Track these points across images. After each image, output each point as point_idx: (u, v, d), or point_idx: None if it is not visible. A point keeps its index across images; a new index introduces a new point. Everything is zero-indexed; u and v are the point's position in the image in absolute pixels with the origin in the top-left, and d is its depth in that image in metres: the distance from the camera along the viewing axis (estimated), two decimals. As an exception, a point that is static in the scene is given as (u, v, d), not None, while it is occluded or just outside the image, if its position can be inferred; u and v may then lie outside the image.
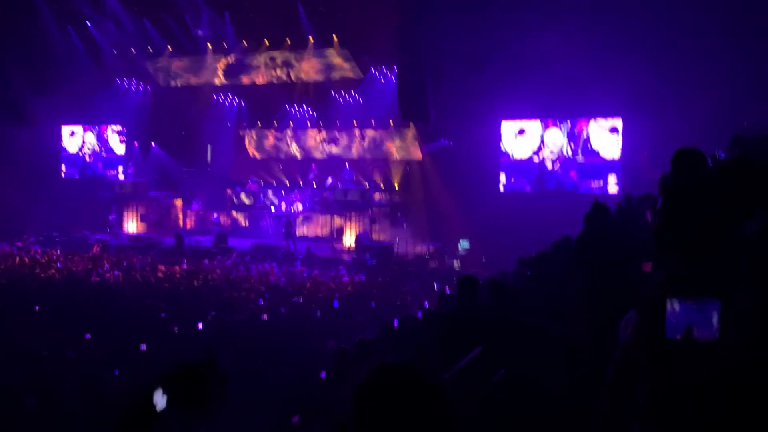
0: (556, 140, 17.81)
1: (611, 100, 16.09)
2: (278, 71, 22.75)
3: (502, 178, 18.36)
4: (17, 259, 15.78)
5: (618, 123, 17.02)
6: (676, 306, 1.66)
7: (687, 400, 1.64)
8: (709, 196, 1.81)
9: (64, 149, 24.72)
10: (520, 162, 18.21)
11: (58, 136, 24.60)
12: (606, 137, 17.23)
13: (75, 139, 24.75)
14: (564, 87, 15.97)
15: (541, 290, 5.34)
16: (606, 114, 17.15)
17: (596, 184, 17.25)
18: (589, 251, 4.07)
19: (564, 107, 17.23)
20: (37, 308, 10.46)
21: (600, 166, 17.33)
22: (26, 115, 21.82)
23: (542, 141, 17.96)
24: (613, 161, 17.13)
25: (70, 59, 22.28)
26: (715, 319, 1.64)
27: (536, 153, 18.03)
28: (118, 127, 24.02)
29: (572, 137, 17.68)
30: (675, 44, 14.13)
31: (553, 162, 17.86)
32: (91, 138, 24.44)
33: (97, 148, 24.49)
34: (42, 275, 13.97)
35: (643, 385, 1.76)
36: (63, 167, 24.68)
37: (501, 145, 18.41)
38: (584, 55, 14.89)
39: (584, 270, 3.84)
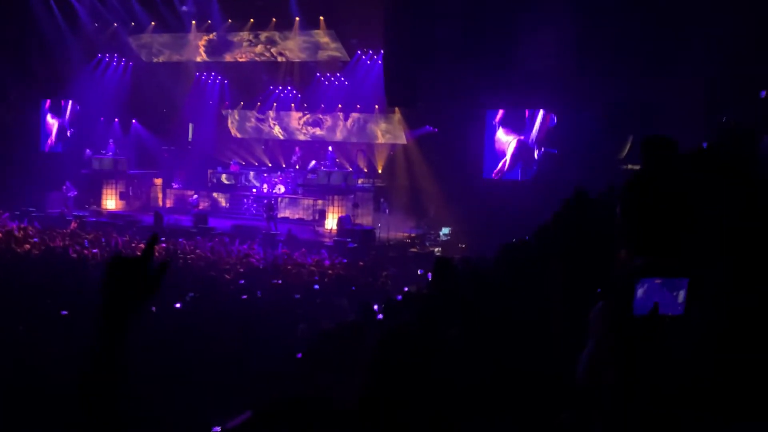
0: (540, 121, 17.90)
1: (591, 92, 16.12)
2: (262, 50, 22.52)
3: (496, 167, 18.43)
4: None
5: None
6: (644, 285, 1.72)
7: (653, 377, 1.69)
8: (671, 185, 1.85)
9: (45, 124, 24.25)
10: (503, 148, 18.29)
11: (39, 111, 24.10)
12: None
13: (55, 113, 24.29)
14: (547, 79, 15.98)
15: (519, 278, 5.37)
16: (583, 106, 17.19)
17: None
18: (565, 239, 4.10)
19: (545, 97, 17.23)
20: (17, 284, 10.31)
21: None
22: (7, 90, 21.40)
23: (529, 126, 18.01)
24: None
25: (52, 34, 21.83)
26: (681, 297, 1.71)
27: (523, 138, 18.08)
28: (99, 103, 23.57)
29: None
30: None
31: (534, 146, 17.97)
32: (70, 112, 24.01)
33: (71, 117, 24.05)
34: (18, 250, 13.78)
35: (613, 366, 1.81)
36: (44, 142, 24.22)
37: (485, 133, 18.44)
38: (568, 48, 14.91)
39: (560, 258, 3.88)
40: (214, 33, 22.28)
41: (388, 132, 21.86)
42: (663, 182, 1.95)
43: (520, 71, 15.92)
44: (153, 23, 22.43)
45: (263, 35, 22.04)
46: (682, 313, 1.72)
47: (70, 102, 23.85)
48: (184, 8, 21.66)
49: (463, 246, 16.49)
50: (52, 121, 24.24)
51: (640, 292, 1.72)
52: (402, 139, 20.93)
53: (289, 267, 13.24)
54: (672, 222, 1.83)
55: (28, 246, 14.25)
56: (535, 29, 14.79)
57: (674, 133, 3.18)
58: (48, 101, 24.05)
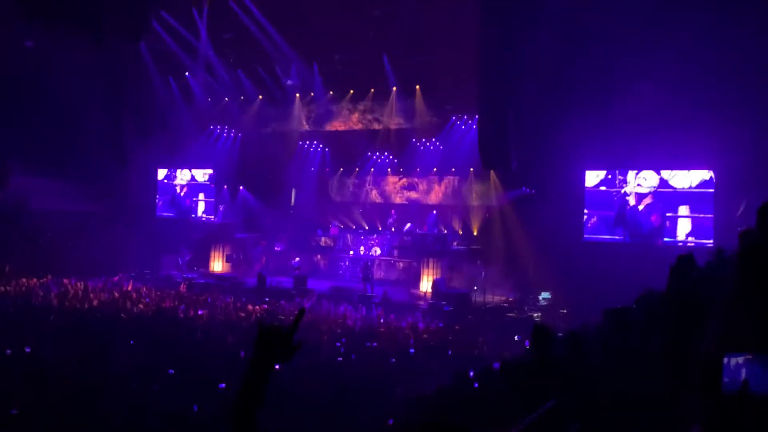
0: (645, 178, 17.39)
1: (701, 152, 15.56)
2: (361, 119, 23.42)
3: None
4: (110, 294, 16.68)
5: (706, 174, 16.44)
6: (734, 360, 1.59)
7: None
8: None
9: (160, 189, 26.19)
10: (601, 195, 17.89)
11: (154, 178, 26.12)
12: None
13: (169, 180, 26.21)
14: (651, 138, 15.55)
15: (622, 345, 5.12)
16: (695, 166, 16.56)
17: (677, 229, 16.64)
18: (673, 306, 3.89)
19: (650, 158, 16.77)
20: (132, 342, 10.97)
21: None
22: (128, 158, 23.39)
23: (625, 177, 17.60)
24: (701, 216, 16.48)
25: (169, 107, 23.83)
26: None
27: (619, 188, 17.66)
28: (209, 171, 25.25)
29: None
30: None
31: (637, 198, 17.39)
32: (185, 175, 25.80)
33: (184, 183, 25.77)
34: (133, 310, 14.68)
35: None
36: (158, 205, 26.08)
37: (585, 194, 18.07)
38: (673, 106, 14.47)
39: (667, 325, 3.68)
40: (318, 104, 23.51)
41: (483, 194, 21.82)
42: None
43: (618, 130, 15.60)
44: (260, 96, 23.98)
45: (362, 105, 22.97)
46: None
47: (184, 170, 25.67)
48: (289, 82, 23.06)
49: (565, 311, 15.90)
50: (167, 188, 26.13)
51: (727, 367, 1.58)
52: (498, 202, 20.79)
53: (383, 330, 13.24)
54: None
55: (141, 306, 15.16)
56: (633, 86, 14.46)
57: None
58: (164, 170, 26.04)
